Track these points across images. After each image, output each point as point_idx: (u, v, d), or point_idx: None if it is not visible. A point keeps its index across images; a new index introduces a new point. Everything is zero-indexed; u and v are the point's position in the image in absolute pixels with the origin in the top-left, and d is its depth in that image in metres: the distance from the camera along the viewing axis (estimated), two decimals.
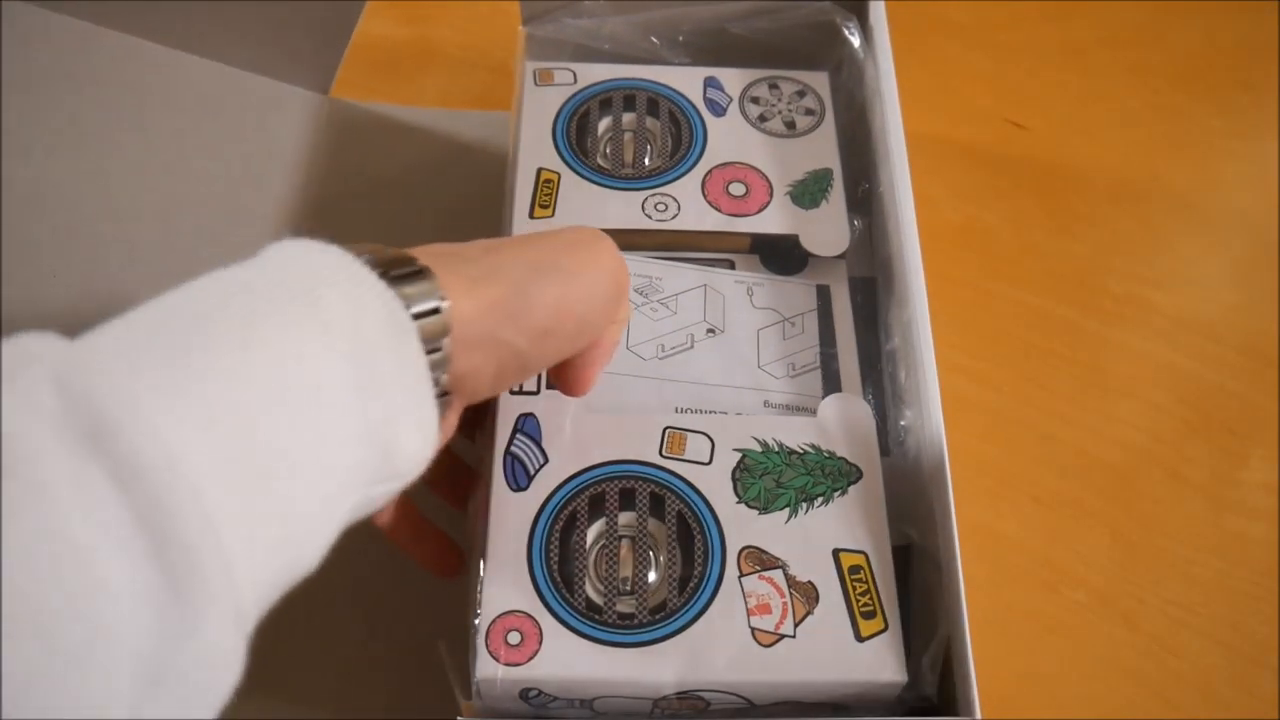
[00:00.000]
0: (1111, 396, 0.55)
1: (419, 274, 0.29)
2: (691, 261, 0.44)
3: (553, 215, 0.43)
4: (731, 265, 0.44)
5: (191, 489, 0.22)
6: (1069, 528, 0.51)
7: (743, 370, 0.41)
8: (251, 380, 0.24)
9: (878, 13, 0.49)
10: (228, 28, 0.55)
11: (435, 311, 0.28)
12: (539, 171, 0.45)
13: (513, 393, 0.38)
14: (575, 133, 0.46)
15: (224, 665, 0.23)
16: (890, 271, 0.43)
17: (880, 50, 0.47)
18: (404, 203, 0.54)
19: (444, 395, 0.29)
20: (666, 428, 0.38)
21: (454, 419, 0.32)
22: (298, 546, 0.25)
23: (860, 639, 0.34)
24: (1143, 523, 0.51)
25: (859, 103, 0.48)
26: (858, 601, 0.35)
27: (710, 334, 0.42)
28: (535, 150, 0.45)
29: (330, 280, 0.26)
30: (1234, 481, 0.53)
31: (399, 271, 0.28)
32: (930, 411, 0.39)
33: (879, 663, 0.34)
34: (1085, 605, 0.49)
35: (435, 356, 0.28)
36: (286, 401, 0.24)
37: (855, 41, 0.48)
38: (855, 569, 0.36)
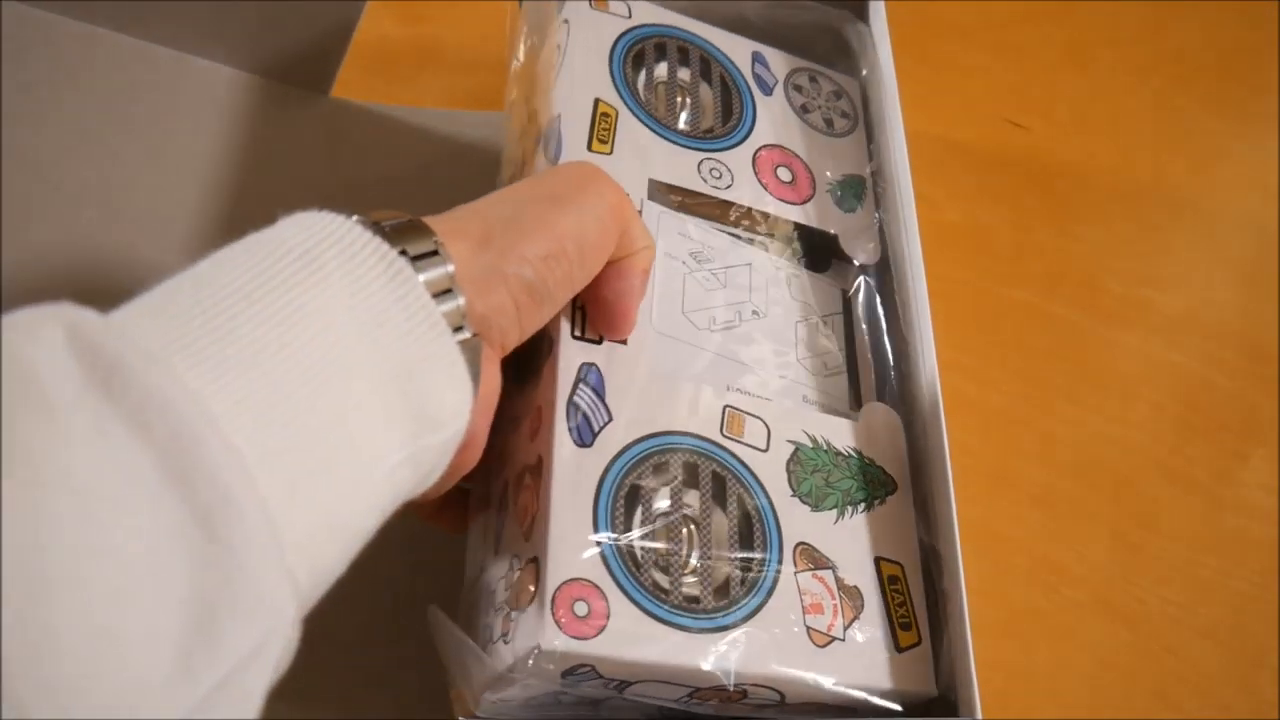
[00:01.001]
0: (1111, 396, 0.55)
1: (410, 224, 0.29)
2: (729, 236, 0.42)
3: (611, 153, 0.40)
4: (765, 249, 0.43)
5: (216, 427, 0.21)
6: (1069, 528, 0.51)
7: (783, 360, 0.40)
8: (270, 338, 0.24)
9: (878, 12, 0.48)
10: (228, 29, 0.55)
11: (433, 254, 0.28)
12: (596, 102, 0.41)
13: (574, 337, 0.36)
14: (631, 69, 0.43)
15: (275, 613, 0.22)
16: (890, 271, 0.43)
17: (880, 50, 0.47)
18: (404, 203, 0.54)
19: (474, 340, 0.29)
20: (726, 406, 0.37)
21: (494, 368, 0.31)
22: (344, 506, 0.25)
23: (899, 649, 0.35)
24: (1143, 523, 0.51)
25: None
26: (896, 612, 0.35)
27: (755, 315, 0.41)
28: (590, 77, 0.42)
29: (330, 244, 0.26)
30: (1234, 481, 0.53)
31: (391, 224, 0.28)
32: (931, 411, 0.39)
33: (914, 675, 0.34)
34: (1085, 605, 0.49)
35: (450, 305, 0.28)
36: (306, 356, 0.24)
37: (858, 45, 0.48)
38: (893, 579, 0.36)
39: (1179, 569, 0.50)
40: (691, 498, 0.35)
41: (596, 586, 0.32)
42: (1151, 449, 0.53)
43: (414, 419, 0.26)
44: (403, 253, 0.27)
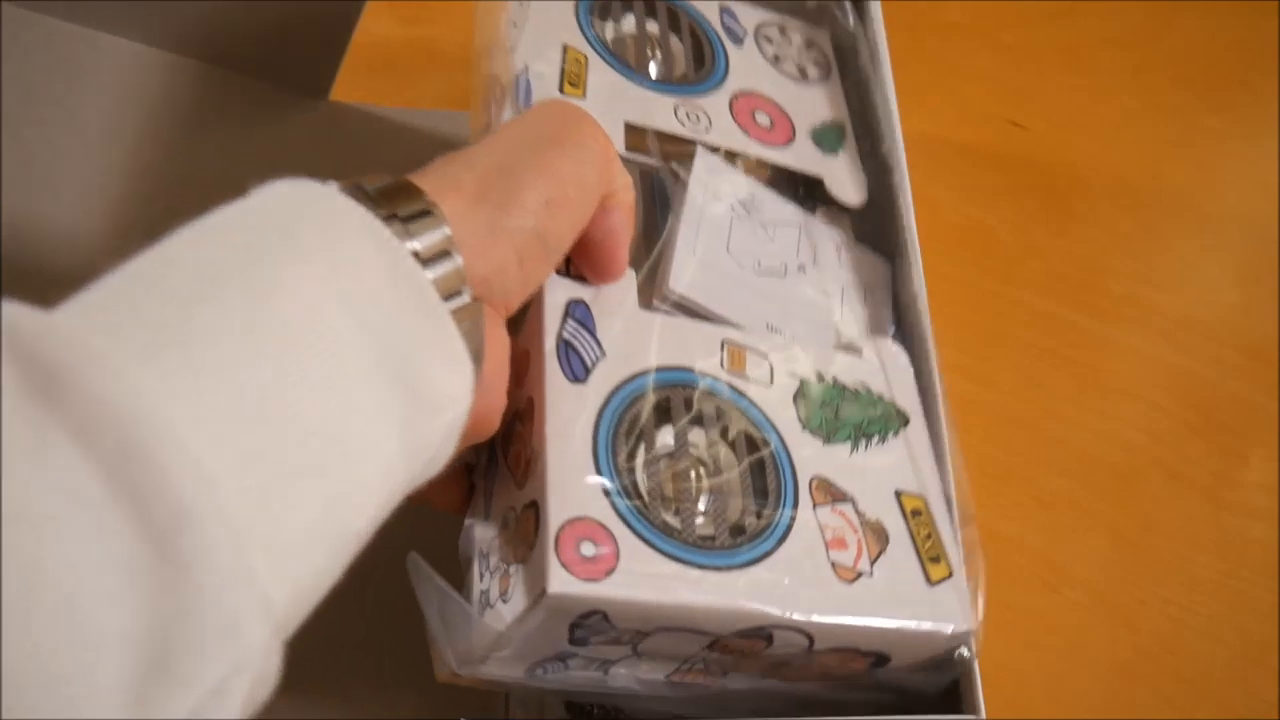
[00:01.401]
0: (1111, 396, 0.55)
1: (397, 186, 0.26)
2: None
3: (584, 97, 0.39)
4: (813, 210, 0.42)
5: (172, 434, 0.18)
6: (1069, 528, 0.51)
7: (825, 318, 0.39)
8: (236, 326, 0.21)
9: (874, 12, 0.48)
10: (226, 32, 0.55)
11: (424, 214, 0.25)
12: (565, 48, 0.40)
13: (560, 273, 0.34)
14: (598, 21, 0.42)
15: (241, 643, 0.19)
16: (890, 271, 0.43)
17: (878, 50, 0.47)
18: None
19: (474, 305, 0.26)
20: (724, 341, 0.35)
21: (499, 331, 0.29)
22: (332, 510, 0.22)
23: (930, 583, 0.33)
24: (1143, 523, 0.51)
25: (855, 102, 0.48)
26: (923, 545, 0.33)
27: (801, 270, 0.40)
28: (557, 25, 0.41)
29: (308, 215, 0.23)
30: (1234, 481, 0.53)
31: (376, 187, 0.25)
32: (933, 412, 0.39)
33: (949, 609, 0.33)
34: (1085, 605, 0.49)
35: (446, 268, 0.25)
36: (280, 344, 0.21)
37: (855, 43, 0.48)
38: (916, 512, 0.34)
39: (1179, 569, 0.50)
40: (697, 434, 0.33)
41: (603, 525, 0.29)
42: (1151, 449, 0.53)
43: (409, 405, 0.23)
44: (391, 217, 0.25)
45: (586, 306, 0.33)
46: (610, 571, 0.28)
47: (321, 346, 0.22)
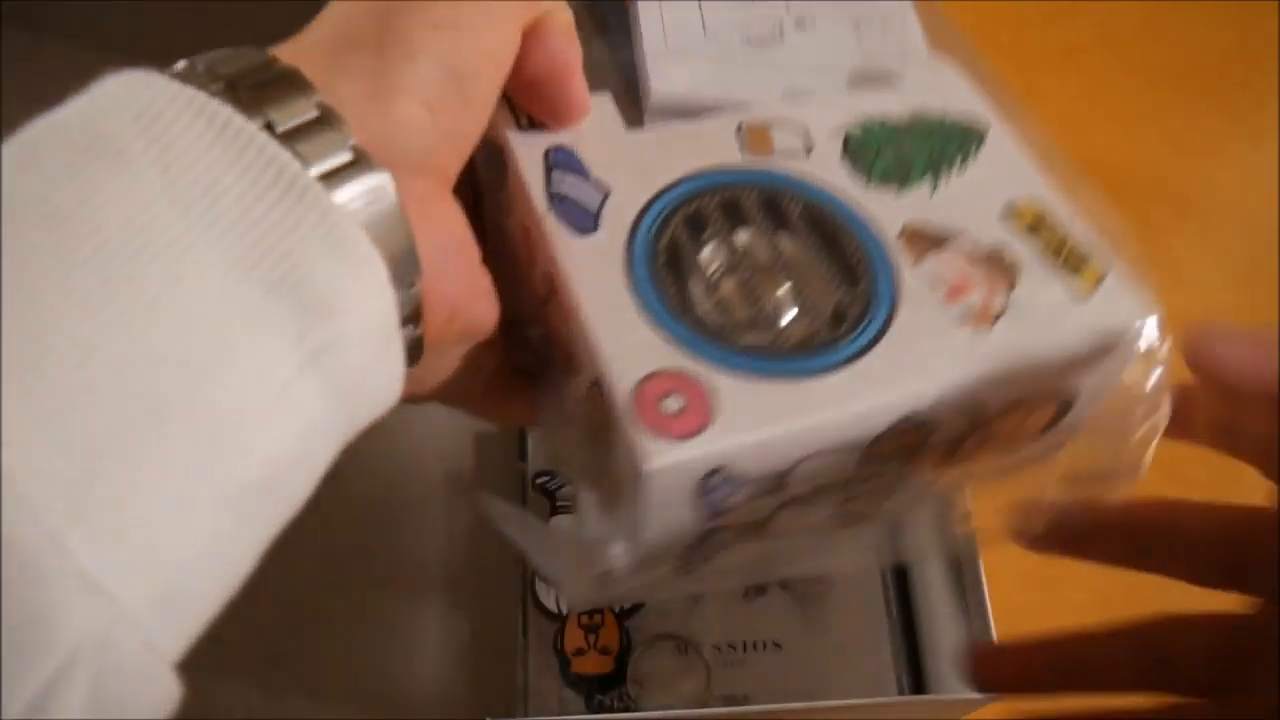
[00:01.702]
0: None
1: (237, 57, 0.21)
2: None
3: None
4: None
5: None
6: None
7: (843, 62, 0.34)
8: (42, 252, 0.17)
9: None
10: (223, 42, 0.55)
11: (278, 79, 0.21)
12: None
13: (522, 128, 0.29)
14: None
15: (51, 629, 0.16)
16: None
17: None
18: None
19: (378, 179, 0.21)
20: (739, 125, 0.30)
21: (444, 205, 0.24)
22: (208, 457, 0.18)
23: (1082, 295, 0.28)
24: None
25: None
26: (1058, 255, 0.29)
27: (799, 26, 0.34)
28: None
29: (121, 112, 0.19)
30: (1234, 481, 0.53)
31: (203, 63, 0.21)
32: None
33: (1117, 305, 0.28)
34: (1085, 605, 0.49)
35: (318, 138, 0.20)
36: (100, 268, 0.17)
37: None
38: (1036, 222, 0.30)
39: None
40: (746, 236, 0.28)
41: (680, 373, 0.25)
42: None
43: (293, 312, 0.19)
44: (230, 88, 0.20)
45: (568, 150, 0.29)
46: (708, 420, 0.24)
47: (154, 263, 0.18)
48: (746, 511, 0.26)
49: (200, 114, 0.19)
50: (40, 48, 0.54)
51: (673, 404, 0.24)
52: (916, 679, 0.45)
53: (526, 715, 0.44)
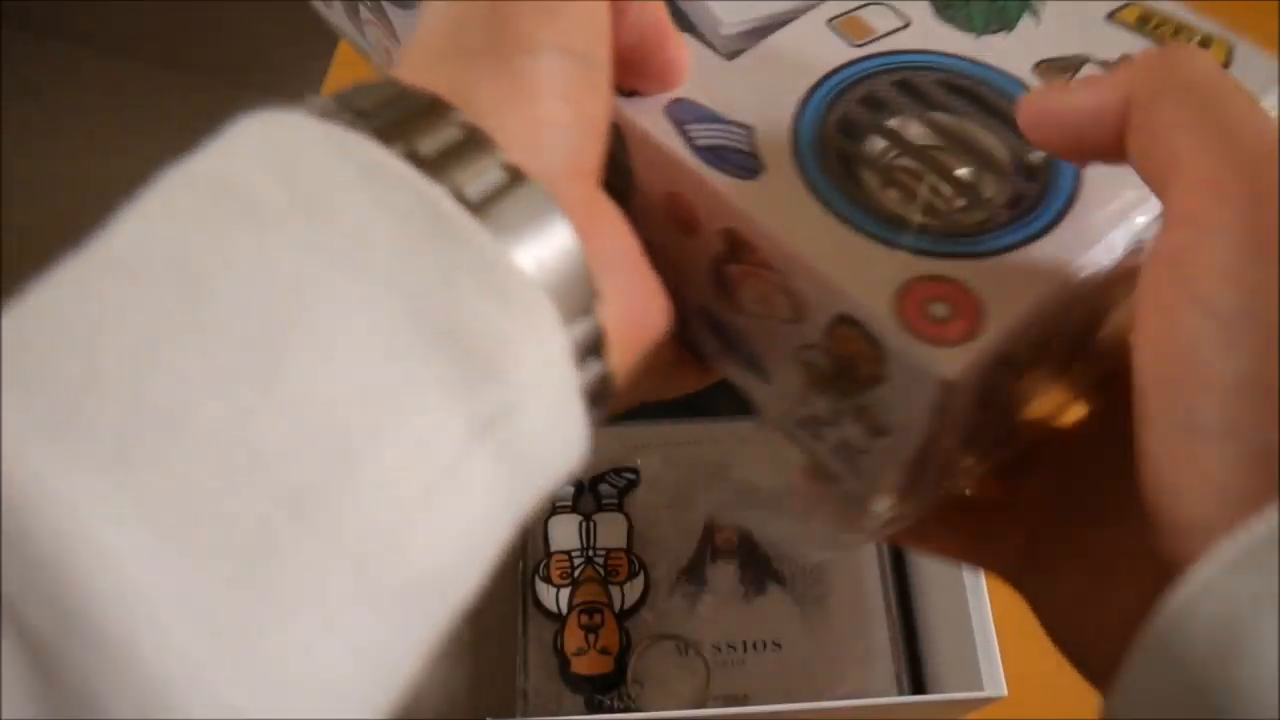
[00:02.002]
0: None
1: (371, 90, 0.19)
2: None
3: None
4: None
5: (77, 523, 0.14)
6: None
7: None
8: (175, 350, 0.15)
9: None
10: (218, 44, 0.55)
11: (422, 109, 0.19)
12: None
13: (628, 95, 0.27)
14: None
15: None
16: None
17: None
18: None
19: (532, 189, 0.19)
20: (828, 21, 0.29)
21: (599, 207, 0.22)
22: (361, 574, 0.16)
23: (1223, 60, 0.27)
24: None
25: None
26: (1174, 40, 0.28)
27: None
28: None
29: (263, 159, 0.18)
30: None
31: (348, 99, 0.19)
32: None
33: (1256, 73, 0.27)
34: None
35: (471, 162, 0.18)
36: (239, 341, 0.16)
37: None
38: (1143, 18, 0.29)
39: None
40: (904, 124, 0.27)
41: (926, 278, 0.23)
42: None
43: (458, 377, 0.17)
44: (367, 119, 0.18)
45: (688, 101, 0.27)
46: (979, 312, 0.23)
47: (302, 337, 0.16)
48: (1005, 397, 0.25)
49: (342, 154, 0.18)
50: (40, 48, 0.55)
51: (939, 310, 0.23)
52: (916, 679, 0.45)
53: (527, 715, 0.44)
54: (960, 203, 0.25)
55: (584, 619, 0.46)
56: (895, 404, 0.24)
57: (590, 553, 0.48)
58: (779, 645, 0.46)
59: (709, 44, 0.29)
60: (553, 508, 0.48)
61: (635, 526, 0.49)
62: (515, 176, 0.19)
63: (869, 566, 0.48)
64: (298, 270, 0.16)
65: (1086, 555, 0.25)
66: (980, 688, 0.35)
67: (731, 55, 0.29)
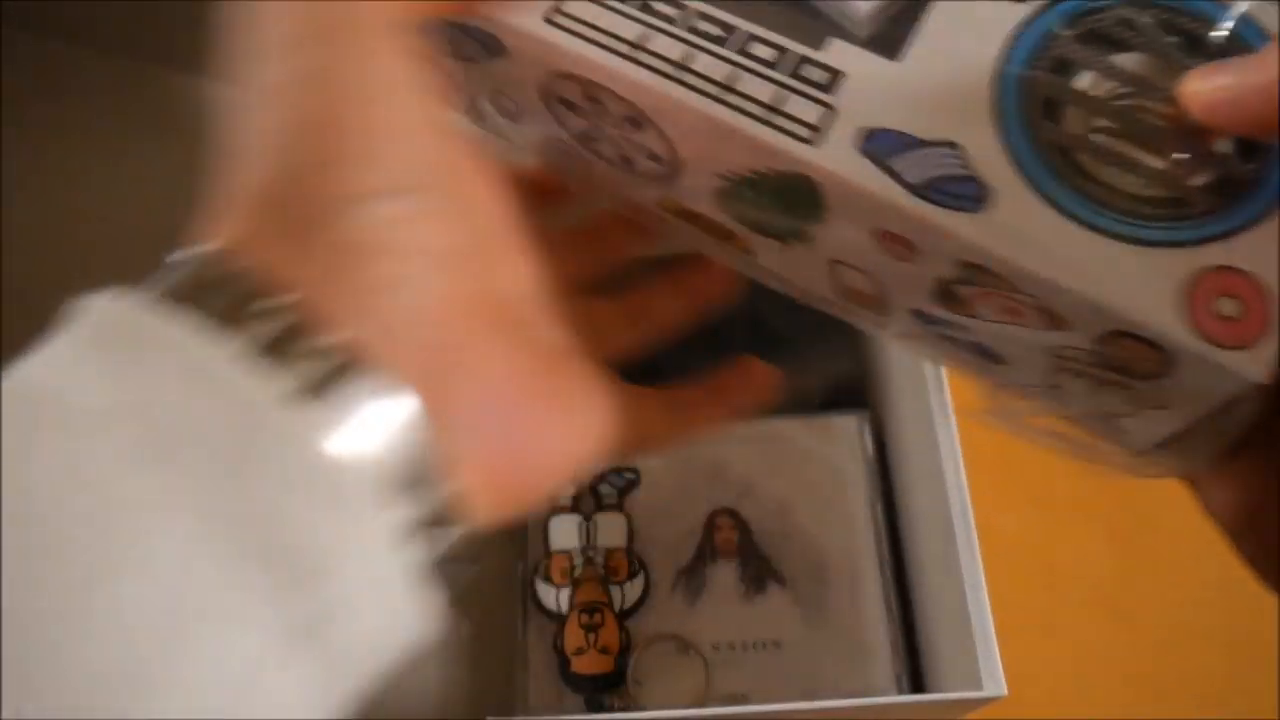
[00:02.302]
0: None
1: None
2: None
3: None
4: None
5: None
6: (1069, 528, 0.51)
7: None
8: None
9: None
10: (220, 44, 0.55)
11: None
12: None
13: (795, 137, 0.23)
14: None
15: None
16: None
17: None
18: None
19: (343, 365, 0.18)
20: None
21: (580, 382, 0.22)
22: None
23: None
24: (1142, 523, 0.51)
25: None
26: None
27: None
28: None
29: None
30: None
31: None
32: (940, 412, 0.38)
33: None
34: (1085, 605, 0.49)
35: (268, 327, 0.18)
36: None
37: None
38: None
39: (1179, 569, 0.50)
40: (1089, 82, 0.23)
41: (1200, 273, 0.21)
42: None
43: (271, 582, 0.16)
44: (197, 304, 0.18)
45: (882, 130, 0.23)
46: (1270, 298, 0.21)
47: (116, 540, 0.16)
48: None
49: (170, 354, 0.17)
50: (40, 48, 0.54)
51: (1228, 307, 0.21)
52: (916, 679, 0.45)
53: (527, 715, 0.44)
54: (1197, 169, 0.22)
55: (584, 618, 0.46)
56: (1182, 394, 0.22)
57: (590, 552, 0.48)
58: (779, 645, 0.46)
59: (862, 44, 0.25)
60: (553, 508, 0.48)
61: (635, 526, 0.49)
62: (348, 357, 0.17)
63: (869, 566, 0.48)
64: (118, 483, 0.16)
65: None
66: (980, 687, 0.35)
67: (883, 46, 0.24)
